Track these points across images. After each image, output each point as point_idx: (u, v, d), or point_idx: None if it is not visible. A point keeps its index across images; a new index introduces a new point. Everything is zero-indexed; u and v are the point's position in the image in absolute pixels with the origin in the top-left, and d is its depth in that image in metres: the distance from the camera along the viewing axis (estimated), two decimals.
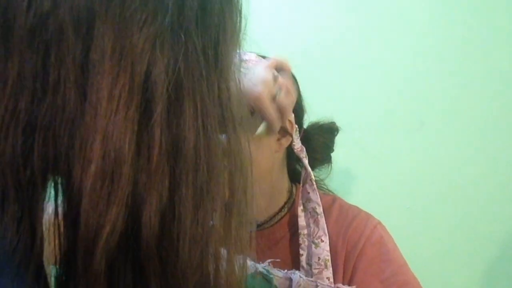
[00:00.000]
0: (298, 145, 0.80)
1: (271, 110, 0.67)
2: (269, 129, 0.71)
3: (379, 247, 0.78)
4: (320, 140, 0.88)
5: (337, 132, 0.89)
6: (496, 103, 1.16)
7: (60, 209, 0.36)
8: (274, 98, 0.68)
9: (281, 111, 0.69)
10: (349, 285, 0.75)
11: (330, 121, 0.89)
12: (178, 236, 0.35)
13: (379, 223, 0.81)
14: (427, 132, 1.19)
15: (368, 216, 0.82)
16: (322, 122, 0.89)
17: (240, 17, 0.40)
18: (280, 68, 0.73)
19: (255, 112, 0.68)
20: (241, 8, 0.40)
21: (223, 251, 0.38)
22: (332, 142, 0.90)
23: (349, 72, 1.22)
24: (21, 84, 0.33)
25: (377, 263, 0.76)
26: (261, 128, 0.71)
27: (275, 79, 0.69)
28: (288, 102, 0.71)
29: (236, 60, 0.40)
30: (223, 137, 0.38)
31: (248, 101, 0.65)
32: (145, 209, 0.34)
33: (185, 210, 0.35)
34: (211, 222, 0.36)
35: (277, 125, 0.70)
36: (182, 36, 0.35)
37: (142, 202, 0.34)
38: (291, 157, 0.83)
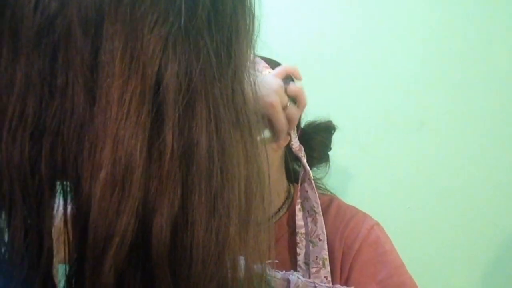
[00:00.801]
0: (296, 144, 0.79)
1: (283, 120, 0.69)
2: (274, 137, 0.72)
3: (375, 247, 0.77)
4: (318, 139, 0.87)
5: (334, 131, 0.89)
6: (496, 103, 1.16)
7: (69, 217, 0.34)
8: (285, 108, 0.70)
9: (289, 120, 0.71)
10: (345, 285, 0.74)
11: (326, 120, 0.89)
12: (191, 245, 0.34)
13: (377, 223, 0.81)
14: (427, 132, 1.19)
15: (366, 217, 0.82)
16: (318, 121, 0.89)
17: (253, 18, 0.39)
18: (290, 77, 0.74)
19: (264, 119, 0.69)
20: (253, 9, 0.39)
21: (241, 261, 0.37)
22: (329, 140, 0.89)
23: (349, 72, 1.21)
24: (28, 87, 0.32)
25: (374, 264, 0.76)
26: (266, 134, 0.72)
27: (285, 88, 0.71)
28: (298, 112, 0.73)
29: (250, 62, 0.39)
30: (238, 141, 0.37)
31: (260, 109, 0.65)
32: (156, 218, 0.33)
33: (198, 218, 0.34)
34: (227, 231, 0.35)
35: (284, 134, 0.72)
36: (195, 37, 0.34)
37: (153, 210, 0.33)
38: (289, 156, 0.83)
